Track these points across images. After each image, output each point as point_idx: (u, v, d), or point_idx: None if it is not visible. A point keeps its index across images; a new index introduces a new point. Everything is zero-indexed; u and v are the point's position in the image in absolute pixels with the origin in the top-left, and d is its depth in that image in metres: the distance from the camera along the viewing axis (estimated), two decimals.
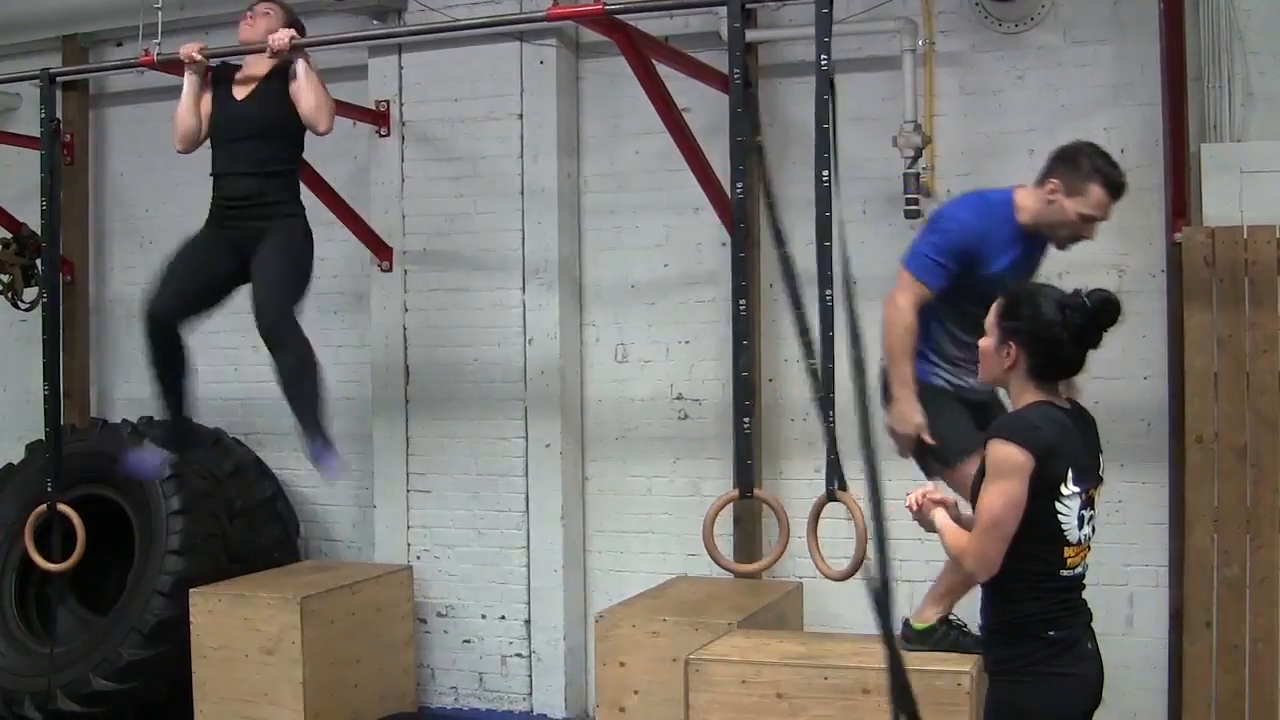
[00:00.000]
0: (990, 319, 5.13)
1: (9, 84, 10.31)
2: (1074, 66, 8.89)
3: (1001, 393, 5.63)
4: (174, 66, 8.31)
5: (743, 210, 6.73)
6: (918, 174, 8.88)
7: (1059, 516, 4.90)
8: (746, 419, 6.65)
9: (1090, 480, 5.02)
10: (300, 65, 7.95)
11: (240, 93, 8.08)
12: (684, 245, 9.74)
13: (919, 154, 8.84)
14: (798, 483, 9.23)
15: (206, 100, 8.20)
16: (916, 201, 8.89)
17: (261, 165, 8.02)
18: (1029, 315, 5.02)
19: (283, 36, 7.86)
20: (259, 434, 10.94)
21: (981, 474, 4.96)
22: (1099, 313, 4.99)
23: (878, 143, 8.96)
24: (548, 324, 9.78)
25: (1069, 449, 4.94)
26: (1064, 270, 8.35)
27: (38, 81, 8.40)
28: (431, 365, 10.08)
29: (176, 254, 8.20)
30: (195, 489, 9.66)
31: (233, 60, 8.32)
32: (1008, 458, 4.83)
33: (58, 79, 8.58)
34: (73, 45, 11.32)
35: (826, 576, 6.42)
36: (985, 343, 5.14)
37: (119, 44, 11.21)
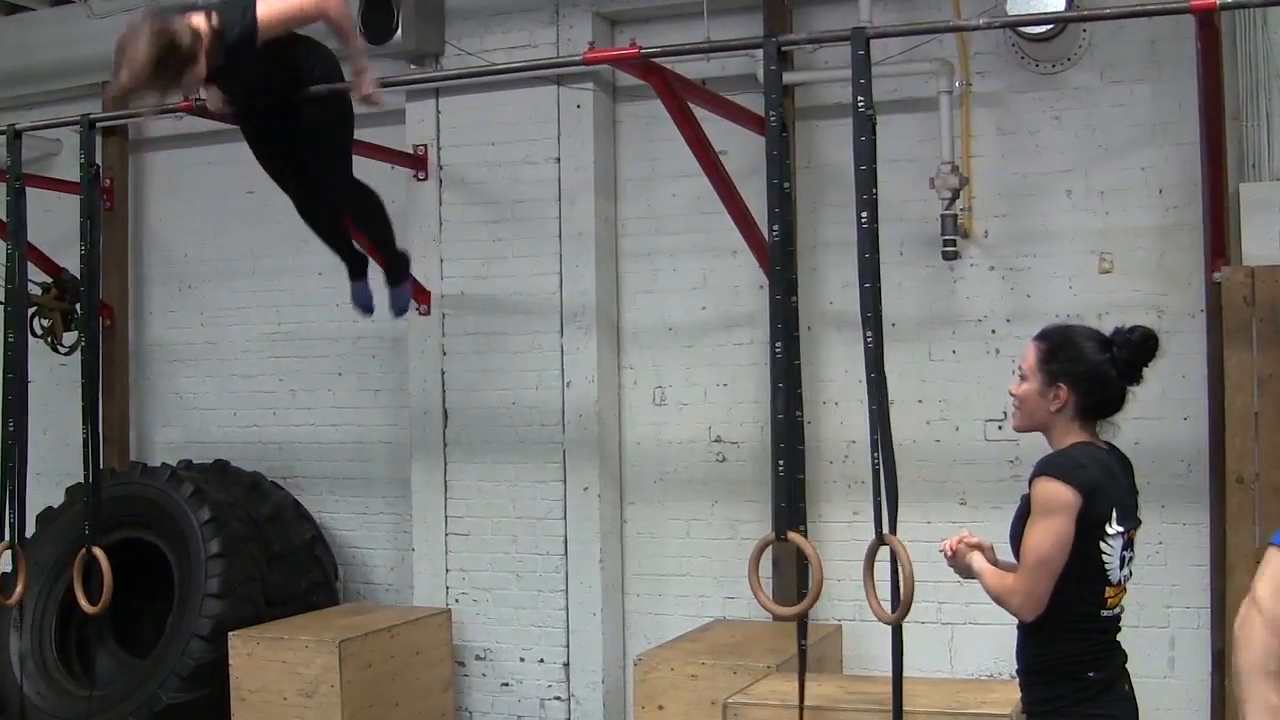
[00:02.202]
0: (1029, 362, 5.08)
1: (50, 129, 10.37)
2: (1111, 106, 8.87)
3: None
4: (212, 112, 8.34)
5: (778, 253, 6.71)
6: (955, 215, 8.88)
7: (1103, 556, 4.86)
8: (782, 461, 6.61)
9: (1131, 521, 4.99)
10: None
11: (219, 107, 7.70)
12: (721, 288, 9.74)
13: (956, 195, 8.83)
14: (836, 525, 9.21)
15: None
16: (954, 243, 8.89)
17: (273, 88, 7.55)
18: (1076, 355, 5.01)
19: (378, 94, 7.57)
20: (297, 478, 10.98)
21: (1023, 513, 4.94)
22: (1142, 347, 5.01)
23: (915, 184, 8.95)
24: (586, 367, 9.79)
25: (1113, 489, 4.91)
26: (1104, 311, 8.37)
27: (78, 127, 8.43)
28: (470, 409, 10.09)
29: (261, 161, 7.95)
30: (234, 533, 9.68)
31: None
32: (1056, 495, 4.80)
33: (97, 124, 8.62)
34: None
35: (882, 621, 6.35)
36: (1026, 388, 5.07)
37: None
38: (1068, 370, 5.00)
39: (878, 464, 6.23)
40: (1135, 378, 5.03)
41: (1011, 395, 5.15)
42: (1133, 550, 5.00)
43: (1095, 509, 4.81)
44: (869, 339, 6.30)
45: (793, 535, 6.53)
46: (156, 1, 7.25)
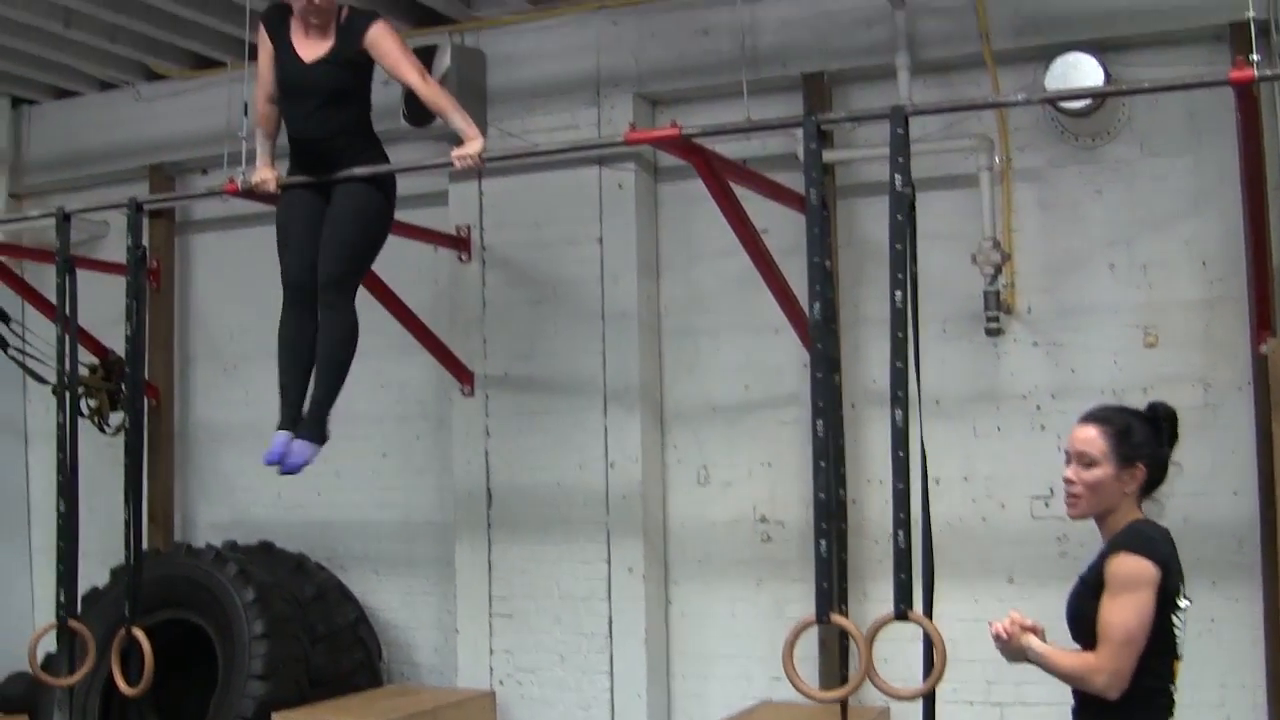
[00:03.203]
0: (1100, 447, 5.02)
1: (97, 212, 10.47)
2: (1152, 179, 8.85)
3: None
4: (258, 194, 8.40)
5: (820, 331, 6.70)
6: (998, 291, 8.87)
7: (1174, 630, 4.86)
8: (824, 541, 6.58)
9: (1188, 596, 4.98)
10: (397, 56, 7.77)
11: (307, 52, 7.79)
12: (764, 366, 9.73)
13: (999, 271, 8.83)
14: (883, 605, 9.09)
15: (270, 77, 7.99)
16: (997, 319, 8.88)
17: (333, 126, 7.81)
18: (1145, 435, 5.04)
19: (474, 159, 7.75)
20: (341, 558, 10.99)
21: (1086, 591, 4.91)
22: (1175, 420, 5.13)
23: (957, 260, 8.94)
24: (629, 447, 9.77)
25: (1178, 563, 4.92)
26: (1149, 385, 8.34)
27: (125, 209, 8.50)
28: (513, 489, 10.08)
29: (279, 228, 8.06)
30: (278, 613, 9.68)
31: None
32: (1139, 571, 4.78)
33: (144, 207, 8.69)
34: (159, 174, 11.56)
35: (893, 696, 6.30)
36: (1099, 473, 5.01)
37: (204, 172, 11.44)
38: (1142, 451, 5.02)
39: (902, 544, 6.21)
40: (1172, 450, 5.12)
41: (1072, 483, 5.08)
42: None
43: (1171, 583, 4.82)
44: (898, 418, 6.28)
45: (836, 618, 6.50)
46: None
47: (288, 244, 7.95)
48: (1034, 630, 5.05)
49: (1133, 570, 4.77)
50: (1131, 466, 4.98)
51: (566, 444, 9.93)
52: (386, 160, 8.01)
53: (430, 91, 7.76)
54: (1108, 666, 4.79)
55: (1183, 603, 4.87)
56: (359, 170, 7.78)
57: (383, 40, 7.68)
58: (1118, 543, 4.90)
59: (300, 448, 7.78)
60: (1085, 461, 5.04)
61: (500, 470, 10.14)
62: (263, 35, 7.93)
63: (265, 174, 8.07)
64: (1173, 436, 5.09)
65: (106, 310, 10.14)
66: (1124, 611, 4.76)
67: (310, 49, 7.73)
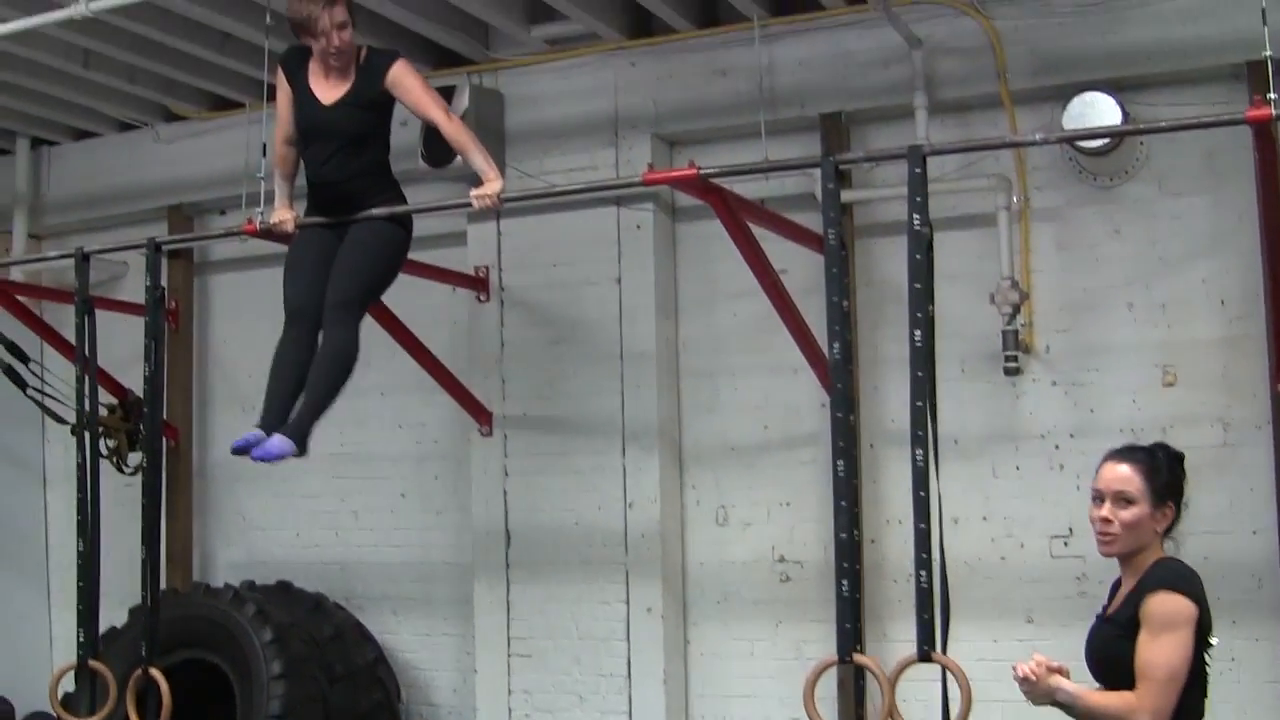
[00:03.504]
0: (1137, 485, 5.04)
1: (116, 252, 10.50)
2: (1170, 218, 8.85)
3: None
4: (276, 235, 8.43)
5: (839, 371, 6.70)
6: (1016, 330, 8.86)
7: (1207, 667, 4.89)
8: (845, 581, 6.56)
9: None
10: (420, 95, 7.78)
11: (326, 94, 7.77)
12: (783, 406, 9.72)
13: (1017, 310, 8.82)
14: (901, 645, 9.08)
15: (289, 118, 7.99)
16: (1015, 358, 8.87)
17: (352, 169, 7.81)
18: (1175, 472, 5.10)
19: (493, 200, 7.76)
20: (359, 598, 10.97)
21: (1123, 629, 4.91)
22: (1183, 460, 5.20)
23: (975, 300, 8.94)
24: (648, 487, 9.76)
25: (1208, 602, 4.93)
26: (1169, 424, 8.32)
27: (144, 250, 8.53)
28: (532, 529, 10.07)
29: (289, 262, 8.04)
30: (296, 653, 9.67)
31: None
32: (1181, 609, 4.80)
33: (163, 247, 8.72)
34: (178, 214, 11.59)
35: None
36: (1137, 511, 5.03)
37: (222, 213, 11.47)
38: (1173, 488, 5.08)
39: (925, 584, 6.19)
40: None
41: (1109, 522, 5.09)
42: None
43: (1205, 621, 4.86)
44: (918, 457, 6.27)
45: (859, 657, 6.49)
46: None
47: (296, 274, 7.92)
48: (1059, 671, 5.02)
49: (1175, 609, 4.79)
50: (1164, 505, 5.02)
51: (585, 484, 9.93)
52: (404, 201, 7.99)
53: (454, 129, 7.75)
54: (1150, 705, 4.79)
55: (1214, 640, 4.89)
56: (376, 211, 7.79)
57: (405, 79, 7.68)
58: (1156, 581, 4.90)
59: (278, 442, 7.51)
60: (1123, 500, 5.05)
61: (519, 510, 10.13)
62: (281, 77, 7.93)
63: (284, 214, 8.09)
64: (1184, 476, 5.13)
65: (125, 350, 10.19)
66: (1166, 650, 4.77)
67: (329, 91, 7.73)
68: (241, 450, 7.64)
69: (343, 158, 7.75)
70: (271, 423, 7.68)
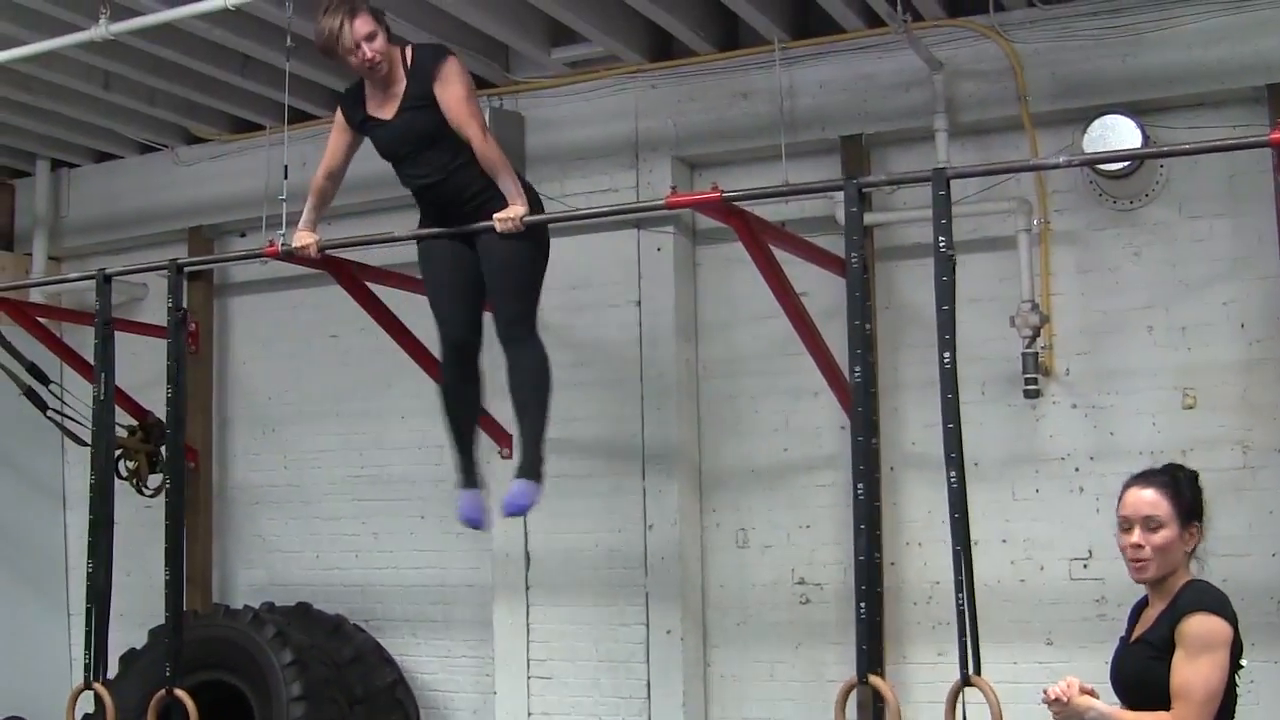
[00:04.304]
0: (1165, 509, 5.05)
1: (137, 274, 10.52)
2: (1190, 241, 8.84)
3: None
4: (297, 257, 8.45)
5: (860, 394, 6.70)
6: (1036, 353, 8.86)
7: (1237, 689, 4.91)
8: (863, 604, 6.56)
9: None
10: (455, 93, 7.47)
11: (385, 110, 7.57)
12: (803, 429, 9.72)
13: (1037, 333, 8.81)
14: (920, 667, 9.11)
15: (347, 144, 7.84)
16: (1036, 381, 8.87)
17: (441, 167, 7.59)
18: (1197, 493, 5.12)
19: (515, 223, 7.51)
20: (379, 620, 10.97)
21: (1157, 650, 4.91)
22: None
23: (995, 323, 8.94)
24: (668, 510, 9.76)
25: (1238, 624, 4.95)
26: (1188, 447, 8.31)
27: (165, 272, 8.54)
28: (552, 551, 10.07)
29: (430, 283, 7.95)
30: (316, 675, 9.67)
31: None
32: (1217, 630, 4.82)
33: (184, 269, 8.73)
34: (198, 236, 11.62)
35: None
36: (1167, 534, 5.04)
37: (243, 235, 11.50)
38: (1196, 507, 5.10)
39: (962, 605, 6.19)
40: None
41: (1141, 548, 5.09)
42: None
43: (1238, 643, 4.89)
44: (953, 479, 6.28)
45: (873, 679, 6.48)
46: None
47: (442, 299, 7.87)
48: (1089, 693, 5.02)
49: (1212, 630, 4.82)
50: (1190, 525, 5.05)
51: (605, 506, 9.92)
52: (532, 191, 7.83)
53: (487, 148, 7.48)
54: None
55: (1244, 663, 4.91)
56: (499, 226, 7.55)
57: (450, 82, 7.38)
58: (1192, 604, 4.91)
59: (521, 490, 7.66)
60: (1153, 525, 5.06)
61: (539, 532, 10.12)
62: (339, 117, 7.77)
63: (306, 238, 8.01)
64: (1202, 494, 5.15)
65: (145, 372, 10.24)
66: (1204, 671, 4.79)
67: (387, 106, 7.54)
68: (475, 524, 8.01)
69: (431, 162, 7.57)
70: (469, 478, 7.93)
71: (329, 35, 7.26)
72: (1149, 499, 5.07)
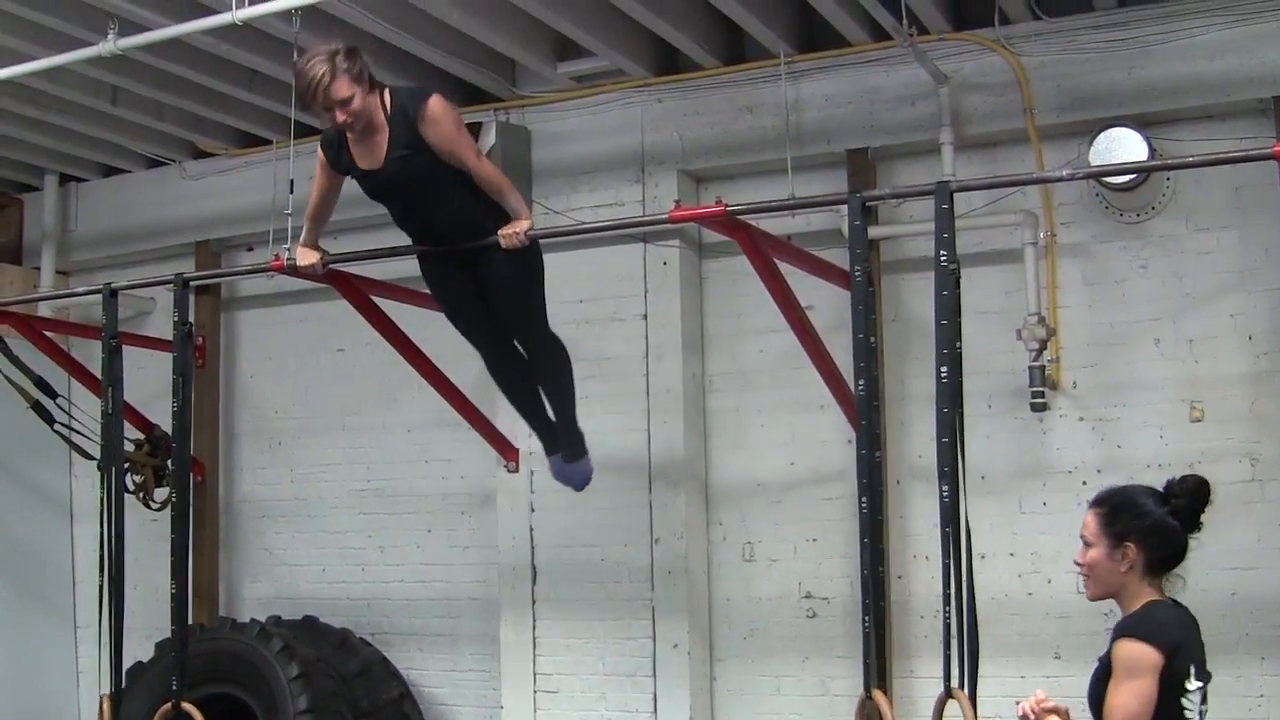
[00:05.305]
0: (1093, 529, 5.10)
1: (144, 288, 10.53)
2: (1197, 254, 8.83)
3: None
4: (303, 272, 8.45)
5: (865, 407, 6.69)
6: (1043, 366, 8.85)
7: (1184, 713, 4.86)
8: (867, 618, 6.56)
9: (1206, 676, 4.98)
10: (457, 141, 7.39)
11: (369, 159, 7.37)
12: (809, 443, 9.71)
13: (1044, 346, 8.80)
14: (928, 681, 9.07)
15: (332, 186, 7.74)
16: (1042, 394, 8.86)
17: (434, 208, 7.54)
18: (1138, 512, 5.05)
19: (520, 238, 7.49)
20: (386, 634, 10.97)
21: (1102, 674, 4.92)
22: (1198, 494, 5.06)
23: (1002, 336, 8.93)
24: (674, 523, 9.75)
25: (1190, 645, 4.93)
26: (1196, 460, 8.29)
27: (171, 286, 8.55)
28: (558, 565, 10.07)
29: (446, 310, 8.02)
30: (322, 689, 9.66)
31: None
32: (1140, 656, 4.79)
33: (191, 283, 8.73)
34: (205, 250, 11.64)
35: None
36: (1094, 554, 5.09)
37: (250, 249, 11.53)
38: (1132, 528, 5.04)
39: (948, 619, 6.18)
40: (1196, 525, 5.08)
41: (1078, 565, 5.18)
42: (1207, 704, 4.99)
43: (1177, 667, 4.83)
44: (945, 494, 6.26)
45: (876, 693, 6.48)
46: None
47: (462, 322, 8.03)
48: (1056, 711, 5.04)
49: (1134, 656, 4.81)
50: (1121, 546, 5.02)
51: (611, 520, 9.91)
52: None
53: (486, 171, 7.46)
54: None
55: (1192, 685, 4.86)
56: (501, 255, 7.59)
57: (437, 121, 7.23)
58: (1122, 628, 4.93)
59: (573, 469, 8.38)
60: (1085, 543, 5.13)
61: (545, 547, 10.13)
62: (321, 159, 7.61)
63: (309, 256, 7.93)
64: (1190, 513, 5.05)
65: (152, 386, 10.24)
66: (1124, 697, 4.79)
67: (371, 154, 7.35)
68: (572, 485, 8.52)
69: (424, 206, 7.54)
70: (551, 443, 8.40)
71: (306, 90, 7.07)
72: (1085, 519, 5.15)
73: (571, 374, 8.08)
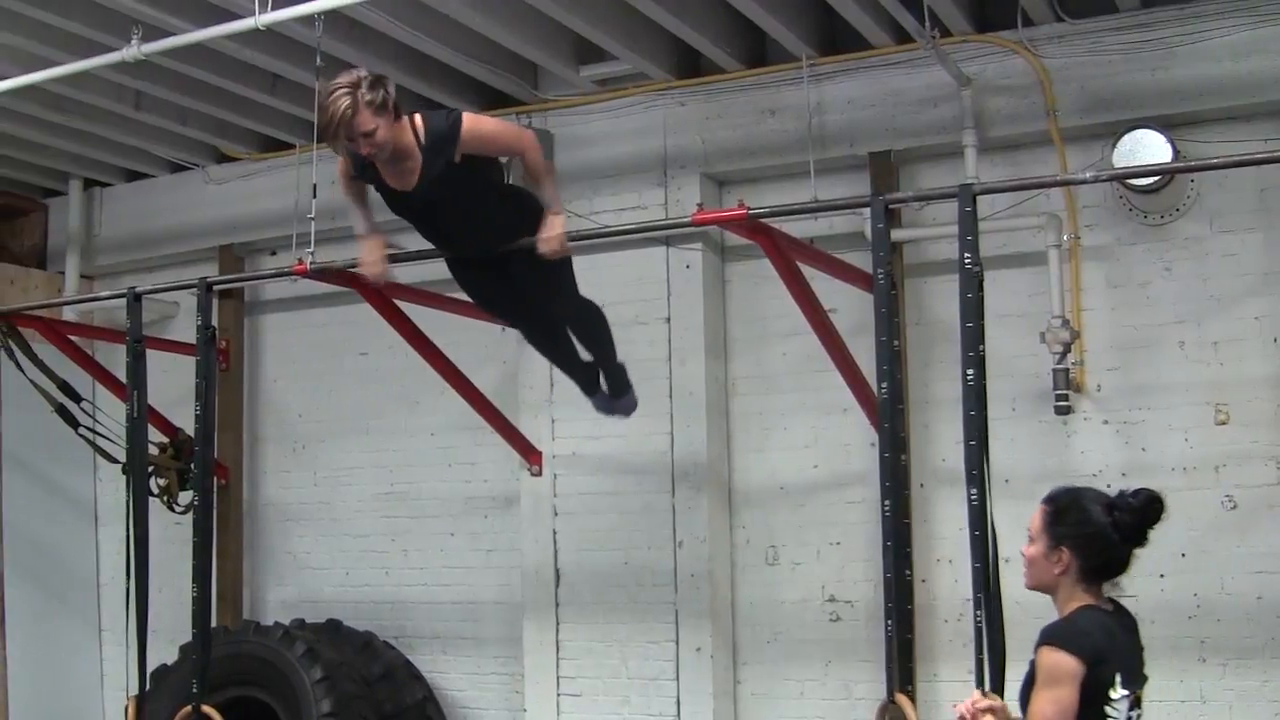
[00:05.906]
0: (1037, 525, 5.14)
1: (168, 292, 10.56)
2: (1222, 256, 8.80)
3: None
4: (327, 275, 8.46)
5: (888, 410, 6.68)
6: (1067, 369, 8.82)
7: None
8: (890, 621, 6.55)
9: (1137, 683, 5.00)
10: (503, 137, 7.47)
11: (402, 182, 7.29)
12: (833, 446, 9.70)
13: (1068, 349, 8.77)
14: (952, 685, 9.05)
15: (360, 191, 7.70)
16: (1067, 397, 8.83)
17: (469, 228, 7.55)
18: (1080, 519, 5.06)
19: (560, 242, 7.45)
20: (409, 637, 10.98)
21: (1031, 681, 4.92)
22: (1146, 511, 5.05)
23: (1026, 339, 8.91)
24: (697, 527, 9.74)
25: (1117, 653, 4.93)
26: (1221, 463, 8.27)
27: (195, 290, 8.57)
28: (582, 569, 10.06)
29: (473, 294, 8.11)
30: (346, 692, 9.67)
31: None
32: (1059, 665, 4.82)
33: (214, 287, 8.75)
34: (229, 255, 11.67)
35: None
36: (1033, 550, 5.12)
37: (273, 253, 11.54)
38: (1070, 534, 5.07)
39: (979, 622, 6.17)
40: (1139, 540, 5.07)
41: (1022, 555, 5.20)
42: (1140, 709, 5.02)
43: (1099, 675, 4.84)
44: (973, 496, 6.26)
45: (899, 697, 6.47)
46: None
47: (496, 311, 8.34)
48: (993, 711, 5.07)
49: (1053, 664, 4.84)
50: (1058, 549, 5.05)
51: (634, 524, 9.91)
52: (531, 201, 7.63)
53: (534, 156, 7.39)
54: None
55: (1116, 693, 4.87)
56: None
57: (477, 136, 7.16)
58: (1045, 635, 4.95)
59: (620, 402, 8.59)
60: (1029, 536, 5.17)
61: (568, 550, 10.12)
62: (343, 168, 7.54)
63: (374, 253, 7.78)
64: (1132, 528, 5.04)
65: (176, 390, 10.26)
66: (1042, 704, 4.83)
67: (404, 178, 7.27)
68: (611, 414, 8.75)
69: (456, 226, 7.55)
70: (589, 387, 8.55)
71: (329, 125, 6.95)
72: (1034, 514, 5.19)
73: (609, 329, 8.25)
